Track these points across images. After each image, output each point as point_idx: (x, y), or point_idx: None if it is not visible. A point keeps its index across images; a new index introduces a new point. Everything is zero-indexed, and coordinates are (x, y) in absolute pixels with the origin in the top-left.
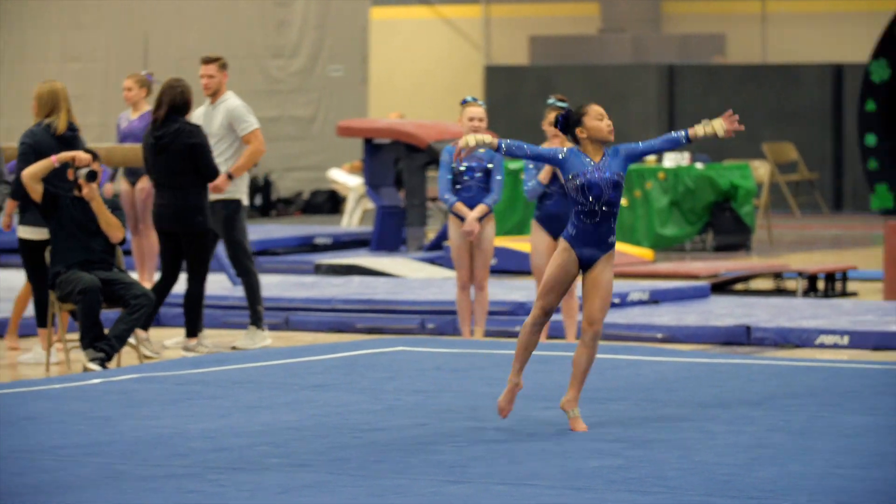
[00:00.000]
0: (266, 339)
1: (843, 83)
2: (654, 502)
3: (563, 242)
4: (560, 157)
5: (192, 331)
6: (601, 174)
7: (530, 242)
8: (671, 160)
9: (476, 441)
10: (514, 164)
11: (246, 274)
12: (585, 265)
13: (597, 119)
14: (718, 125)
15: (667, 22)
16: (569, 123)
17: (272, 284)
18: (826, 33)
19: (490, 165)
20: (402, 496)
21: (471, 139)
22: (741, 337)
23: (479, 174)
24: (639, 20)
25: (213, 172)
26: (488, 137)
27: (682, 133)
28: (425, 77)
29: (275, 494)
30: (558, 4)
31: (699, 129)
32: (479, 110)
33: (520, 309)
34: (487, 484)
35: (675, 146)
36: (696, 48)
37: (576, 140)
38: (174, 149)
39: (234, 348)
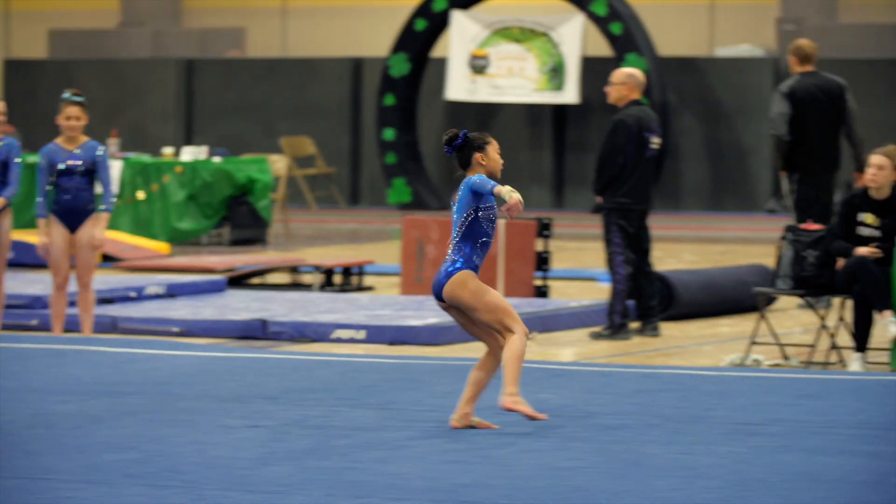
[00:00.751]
0: None
1: (362, 77)
2: (169, 496)
3: (469, 272)
4: (489, 186)
5: None
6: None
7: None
8: (189, 154)
9: None
10: (31, 158)
11: None
12: None
13: (497, 152)
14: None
15: (187, 16)
16: (470, 145)
17: None
18: (346, 27)
19: (8, 160)
20: None
21: (517, 201)
22: (257, 331)
23: None
24: (159, 14)
25: None
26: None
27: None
28: None
29: None
30: None
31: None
32: (1, 105)
33: (36, 302)
34: (1, 479)
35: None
36: (216, 42)
37: (466, 162)
38: None
39: None
